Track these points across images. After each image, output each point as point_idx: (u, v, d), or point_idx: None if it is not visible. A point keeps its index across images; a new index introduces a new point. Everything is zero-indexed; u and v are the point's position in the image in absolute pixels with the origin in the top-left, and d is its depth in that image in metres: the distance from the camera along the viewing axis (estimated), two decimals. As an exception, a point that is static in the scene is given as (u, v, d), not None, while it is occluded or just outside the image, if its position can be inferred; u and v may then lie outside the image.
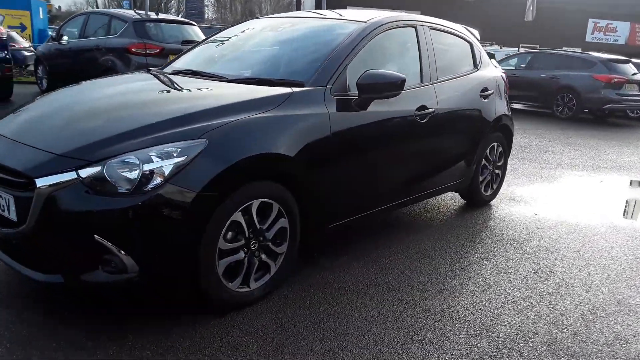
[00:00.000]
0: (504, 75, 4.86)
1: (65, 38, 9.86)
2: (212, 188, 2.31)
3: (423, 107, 3.58)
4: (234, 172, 2.40)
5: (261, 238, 2.63)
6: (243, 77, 3.15)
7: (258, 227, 2.59)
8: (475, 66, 4.44)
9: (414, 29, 3.78)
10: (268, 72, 3.25)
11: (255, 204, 2.55)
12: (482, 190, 4.65)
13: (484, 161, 4.54)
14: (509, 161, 5.21)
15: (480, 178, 4.57)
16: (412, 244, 3.69)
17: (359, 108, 3.10)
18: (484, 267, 3.36)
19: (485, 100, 4.35)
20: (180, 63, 3.77)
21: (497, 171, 4.81)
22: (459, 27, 4.43)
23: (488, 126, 4.38)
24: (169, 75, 3.39)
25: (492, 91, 4.46)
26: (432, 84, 3.76)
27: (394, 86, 3.08)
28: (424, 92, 3.69)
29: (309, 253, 3.34)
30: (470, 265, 3.38)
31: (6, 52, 9.41)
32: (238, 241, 2.52)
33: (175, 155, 2.27)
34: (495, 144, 4.64)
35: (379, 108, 3.23)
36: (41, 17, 27.35)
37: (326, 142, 2.87)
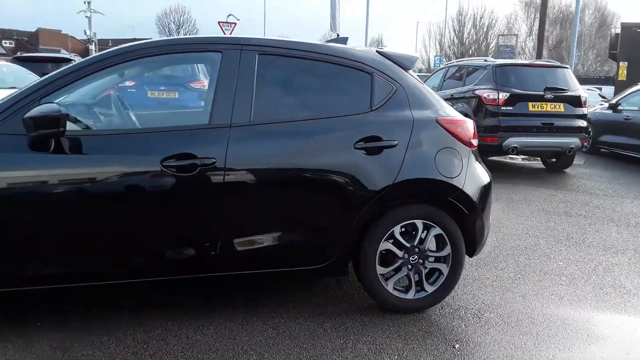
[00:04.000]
0: (452, 121, 3.16)
1: None
2: None
3: (187, 156, 2.67)
4: None
5: None
6: None
7: None
8: (371, 106, 3.04)
9: (219, 53, 2.87)
10: None
11: None
12: (392, 291, 3.10)
13: (389, 245, 3.04)
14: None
15: (382, 270, 3.07)
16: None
17: (36, 149, 2.53)
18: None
19: (373, 155, 2.93)
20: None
21: (435, 265, 3.15)
22: (354, 53, 3.11)
23: (381, 193, 2.93)
24: None
25: (396, 143, 2.97)
26: (230, 126, 2.77)
27: (49, 122, 2.42)
28: (198, 136, 2.76)
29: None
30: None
31: None
32: None
33: None
34: (418, 222, 3.05)
35: (86, 152, 2.59)
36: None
37: None
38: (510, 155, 8.83)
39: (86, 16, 17.54)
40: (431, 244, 3.15)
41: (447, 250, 3.13)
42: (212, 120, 2.79)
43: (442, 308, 3.24)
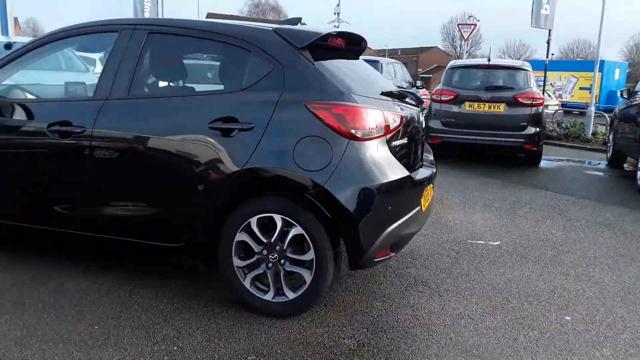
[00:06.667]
0: (324, 106, 2.63)
1: None
2: None
3: (66, 124, 3.03)
4: None
5: None
6: None
7: None
8: (243, 85, 2.81)
9: (116, 33, 3.11)
10: None
11: None
12: (249, 287, 2.83)
13: (246, 237, 2.80)
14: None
15: (240, 263, 2.84)
16: None
17: None
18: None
19: (227, 138, 2.75)
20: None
21: (296, 269, 2.76)
22: (235, 30, 2.89)
23: (229, 179, 2.73)
24: None
25: (253, 126, 2.71)
26: (107, 99, 3.00)
27: None
28: (74, 106, 3.14)
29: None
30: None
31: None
32: None
33: None
34: (277, 217, 2.72)
35: (12, 115, 3.23)
36: (617, 78, 27.02)
37: None
38: None
39: (335, 26, 19.34)
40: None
41: (311, 254, 2.71)
42: (95, 94, 3.06)
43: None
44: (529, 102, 7.93)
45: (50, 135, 3.03)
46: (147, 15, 15.41)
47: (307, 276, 2.74)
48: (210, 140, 2.76)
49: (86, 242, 3.18)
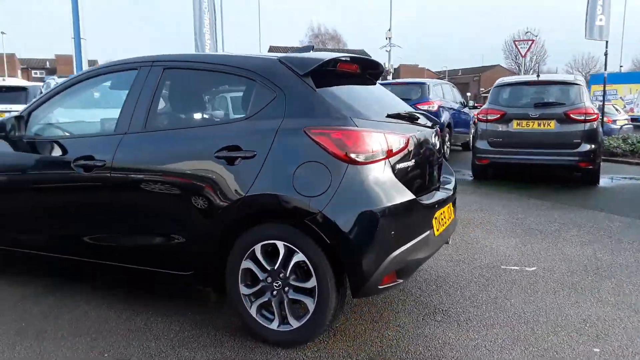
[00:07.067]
0: (323, 131, 2.62)
1: None
2: None
3: (89, 158, 3.19)
4: None
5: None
6: None
7: None
8: (247, 114, 2.86)
9: (135, 71, 3.27)
10: None
11: None
12: (255, 315, 2.82)
13: (251, 265, 2.82)
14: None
15: (246, 291, 2.85)
16: None
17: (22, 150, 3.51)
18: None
19: (231, 166, 2.79)
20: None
21: (299, 297, 2.73)
22: (238, 61, 3.00)
23: (233, 206, 2.77)
24: None
25: (255, 153, 2.73)
26: (125, 134, 3.14)
27: None
28: (98, 141, 3.30)
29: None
30: None
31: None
32: None
33: None
34: (279, 243, 2.72)
35: (43, 151, 3.46)
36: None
37: None
38: None
39: (386, 50, 19.49)
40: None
41: (313, 282, 2.67)
42: (116, 129, 3.21)
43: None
44: (582, 117, 7.54)
45: (75, 169, 3.20)
46: (207, 50, 16.03)
47: (310, 304, 2.70)
48: (217, 168, 2.82)
49: (113, 269, 3.31)
